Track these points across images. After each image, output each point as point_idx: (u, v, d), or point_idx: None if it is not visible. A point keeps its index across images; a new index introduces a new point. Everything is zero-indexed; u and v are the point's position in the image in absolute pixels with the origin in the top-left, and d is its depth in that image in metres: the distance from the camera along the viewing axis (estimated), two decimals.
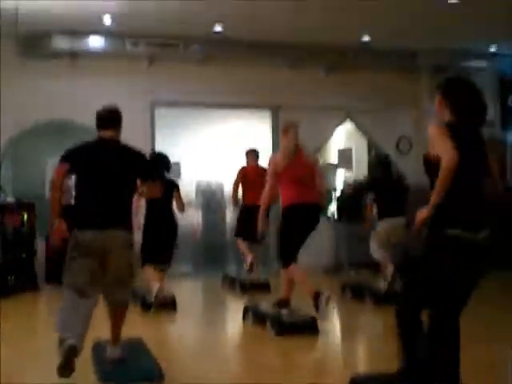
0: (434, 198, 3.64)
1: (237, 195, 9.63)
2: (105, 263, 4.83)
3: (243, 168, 9.60)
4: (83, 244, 4.83)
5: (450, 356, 3.81)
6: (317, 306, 6.37)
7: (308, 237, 6.72)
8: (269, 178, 6.63)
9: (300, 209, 6.52)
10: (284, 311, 6.65)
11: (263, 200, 6.67)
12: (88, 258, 4.79)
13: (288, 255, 6.60)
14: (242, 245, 9.51)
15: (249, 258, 9.32)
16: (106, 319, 5.10)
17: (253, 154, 9.68)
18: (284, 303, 6.75)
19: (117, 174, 4.98)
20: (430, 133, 3.73)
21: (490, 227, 3.74)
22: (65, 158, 4.98)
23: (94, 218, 4.90)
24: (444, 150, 3.58)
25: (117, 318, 5.04)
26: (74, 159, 4.98)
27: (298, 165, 6.59)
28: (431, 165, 3.70)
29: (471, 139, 3.79)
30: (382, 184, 8.62)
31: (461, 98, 3.83)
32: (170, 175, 8.20)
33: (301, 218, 6.56)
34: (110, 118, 5.11)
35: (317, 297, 6.37)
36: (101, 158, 5.00)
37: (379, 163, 9.13)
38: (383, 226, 8.40)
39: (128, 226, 5.00)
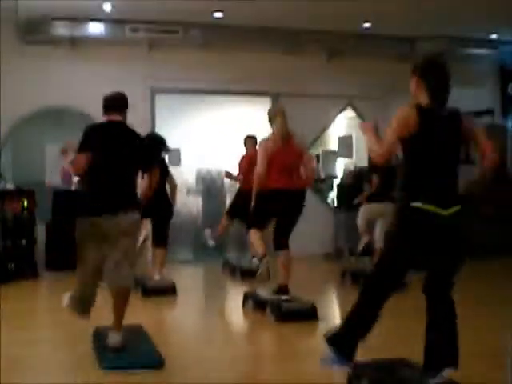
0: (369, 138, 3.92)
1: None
2: (113, 244, 4.93)
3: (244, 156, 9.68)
4: (96, 230, 4.94)
5: (444, 331, 3.85)
6: (259, 265, 6.65)
7: (294, 222, 6.78)
8: (261, 162, 6.63)
9: (282, 193, 6.57)
10: (284, 297, 6.68)
11: (257, 182, 6.72)
12: (100, 242, 4.94)
13: (254, 220, 6.77)
14: (225, 222, 9.79)
15: (217, 233, 9.85)
16: (106, 306, 5.11)
17: (251, 141, 9.69)
18: (283, 289, 6.78)
19: (126, 158, 5.07)
20: (397, 113, 3.83)
21: (459, 206, 3.77)
22: (83, 148, 5.01)
23: (108, 203, 4.97)
24: (386, 141, 3.75)
25: (120, 301, 5.05)
26: (91, 146, 5.03)
27: (288, 152, 6.64)
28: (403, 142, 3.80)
29: (444, 121, 3.83)
30: (378, 168, 8.72)
31: (438, 80, 3.88)
32: (168, 160, 8.33)
33: (281, 202, 6.61)
34: (117, 102, 5.23)
35: (262, 258, 6.59)
36: (112, 141, 5.09)
37: None
38: (364, 212, 8.87)
39: (137, 207, 5.09)
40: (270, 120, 6.82)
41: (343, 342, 4.07)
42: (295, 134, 6.82)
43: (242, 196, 9.36)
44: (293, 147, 6.69)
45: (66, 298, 5.25)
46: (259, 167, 6.63)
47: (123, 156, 5.07)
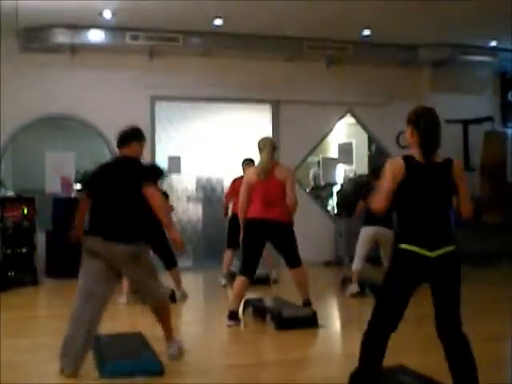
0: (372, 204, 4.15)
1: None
2: (116, 269, 5.05)
3: (235, 180, 9.52)
4: (91, 248, 5.01)
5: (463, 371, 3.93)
6: (233, 317, 6.77)
7: (288, 244, 6.87)
8: (243, 195, 6.87)
9: (262, 223, 6.74)
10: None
11: (240, 214, 6.94)
12: (96, 259, 4.99)
13: (244, 267, 6.83)
14: (229, 255, 9.60)
15: (225, 269, 9.58)
16: (105, 314, 5.10)
17: (250, 165, 9.62)
18: (306, 304, 6.99)
19: (119, 189, 5.06)
20: (386, 167, 4.03)
21: (451, 247, 3.93)
22: (84, 188, 5.52)
23: (100, 229, 5.04)
24: (382, 194, 4.00)
25: (160, 315, 5.19)
26: (90, 186, 5.34)
27: (269, 184, 6.77)
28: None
29: (432, 170, 4.01)
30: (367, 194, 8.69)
31: (427, 131, 4.02)
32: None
33: (263, 231, 6.78)
34: (124, 136, 5.33)
35: (232, 315, 6.76)
36: (107, 177, 5.18)
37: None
38: (362, 237, 8.68)
39: (131, 238, 4.98)
40: (260, 150, 6.93)
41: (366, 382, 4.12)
42: (279, 164, 6.96)
43: (235, 221, 9.28)
44: (275, 179, 6.80)
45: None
46: (240, 200, 6.90)
47: (116, 190, 5.06)
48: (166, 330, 5.23)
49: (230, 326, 6.68)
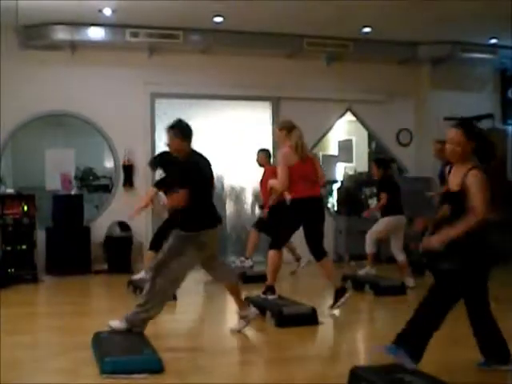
0: (452, 232, 4.55)
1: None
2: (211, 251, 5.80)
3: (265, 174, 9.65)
4: (205, 241, 5.64)
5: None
6: (264, 293, 7.12)
7: (323, 228, 7.00)
8: (285, 175, 6.80)
9: (308, 202, 6.83)
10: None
11: (278, 193, 7.38)
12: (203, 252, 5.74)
13: (278, 240, 7.05)
14: (254, 238, 9.90)
15: (250, 253, 9.89)
16: (105, 310, 5.10)
17: (266, 155, 9.75)
18: (341, 290, 7.11)
19: (211, 182, 5.93)
20: (476, 179, 4.68)
21: None
22: (184, 185, 5.61)
23: (214, 219, 5.77)
24: (480, 203, 4.68)
25: (233, 291, 6.13)
26: (191, 182, 5.65)
27: (306, 162, 6.86)
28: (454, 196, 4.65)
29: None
30: (388, 182, 8.88)
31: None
32: None
33: (309, 211, 6.87)
34: (189, 131, 6.27)
35: (267, 290, 7.08)
36: (205, 170, 5.88)
37: (381, 164, 9.23)
38: (385, 224, 8.87)
39: None
40: (286, 131, 6.94)
41: (413, 345, 4.33)
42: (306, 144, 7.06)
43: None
44: (309, 157, 6.96)
45: (117, 324, 5.57)
46: (284, 180, 6.82)
47: (210, 182, 5.87)
48: (238, 300, 6.12)
49: (268, 295, 7.06)
